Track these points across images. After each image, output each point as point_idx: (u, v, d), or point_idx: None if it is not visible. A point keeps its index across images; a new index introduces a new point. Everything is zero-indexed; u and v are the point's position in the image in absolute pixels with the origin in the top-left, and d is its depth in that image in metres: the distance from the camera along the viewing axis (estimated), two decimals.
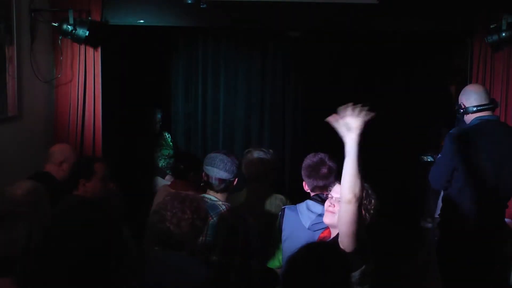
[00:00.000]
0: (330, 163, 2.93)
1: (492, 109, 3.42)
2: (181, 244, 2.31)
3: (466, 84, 4.57)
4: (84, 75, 4.34)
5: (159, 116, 5.32)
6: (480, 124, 3.35)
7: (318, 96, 5.73)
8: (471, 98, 3.40)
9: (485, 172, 3.28)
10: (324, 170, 2.90)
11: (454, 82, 5.22)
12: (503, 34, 4.05)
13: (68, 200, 3.09)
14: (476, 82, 4.43)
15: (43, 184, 3.38)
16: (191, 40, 5.69)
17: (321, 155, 2.98)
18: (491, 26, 4.15)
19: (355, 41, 5.51)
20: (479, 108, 3.37)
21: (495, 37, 4.10)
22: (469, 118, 3.41)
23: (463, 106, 3.42)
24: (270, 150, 3.62)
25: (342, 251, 2.19)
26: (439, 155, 3.46)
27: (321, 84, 5.70)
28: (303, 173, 2.98)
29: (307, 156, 3.02)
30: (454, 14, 4.42)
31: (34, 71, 4.06)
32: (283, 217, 2.90)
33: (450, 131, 3.41)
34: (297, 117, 5.76)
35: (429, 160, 3.88)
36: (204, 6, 3.87)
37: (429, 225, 4.01)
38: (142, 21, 4.44)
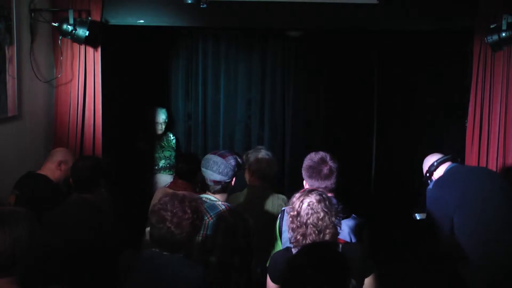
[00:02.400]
0: (331, 163, 2.85)
1: (453, 159, 3.50)
2: (180, 245, 2.30)
3: (466, 84, 4.60)
4: (84, 75, 4.34)
5: (163, 117, 5.31)
6: (451, 169, 3.40)
7: (318, 96, 5.73)
8: (428, 161, 3.52)
9: (478, 208, 3.23)
10: (326, 170, 2.83)
11: (454, 82, 5.22)
12: (503, 34, 4.04)
13: (72, 201, 3.08)
14: (476, 82, 4.43)
15: (39, 185, 3.40)
16: (191, 40, 5.69)
17: (322, 154, 2.90)
18: (491, 26, 4.14)
19: (355, 41, 5.51)
20: (440, 159, 3.46)
21: (495, 37, 4.09)
22: (437, 174, 3.46)
23: (428, 173, 3.48)
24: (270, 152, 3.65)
25: (342, 252, 2.20)
26: (425, 215, 3.43)
27: (321, 84, 5.70)
28: (304, 173, 2.91)
29: (308, 156, 2.95)
30: (454, 14, 4.42)
31: (34, 71, 4.06)
32: (282, 219, 2.88)
33: (427, 188, 3.43)
34: (297, 117, 5.76)
35: (421, 218, 3.81)
36: (204, 6, 3.87)
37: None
38: (142, 21, 4.44)
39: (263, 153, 3.57)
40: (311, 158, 2.91)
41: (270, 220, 3.18)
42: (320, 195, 2.40)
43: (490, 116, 4.42)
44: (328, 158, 2.88)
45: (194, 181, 3.69)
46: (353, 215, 2.88)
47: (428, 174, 3.48)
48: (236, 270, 2.76)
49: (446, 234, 3.28)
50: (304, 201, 2.37)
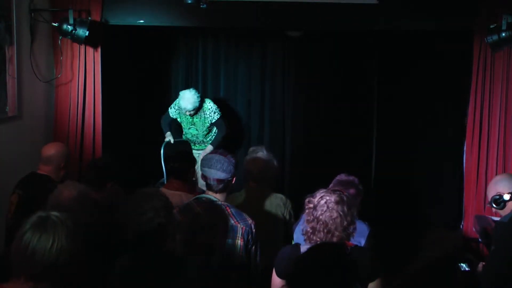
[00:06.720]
0: (360, 187, 3.04)
1: None
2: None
3: (467, 85, 4.59)
4: (84, 75, 4.34)
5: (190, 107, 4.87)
6: None
7: (318, 96, 5.73)
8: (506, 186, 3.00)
9: None
10: (353, 190, 2.99)
11: (454, 82, 5.22)
12: (503, 34, 4.04)
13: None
14: (476, 82, 4.42)
15: (43, 185, 3.38)
16: (191, 40, 5.69)
17: (353, 177, 3.09)
18: (491, 26, 4.14)
19: (355, 41, 5.51)
20: None
21: (495, 37, 4.09)
22: (508, 208, 2.99)
23: (499, 202, 2.99)
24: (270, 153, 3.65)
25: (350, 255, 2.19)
26: (492, 247, 2.98)
27: (321, 84, 5.69)
28: (331, 184, 3.04)
29: (340, 174, 3.13)
30: (454, 14, 4.42)
31: (34, 71, 4.07)
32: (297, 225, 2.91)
33: (498, 220, 3.06)
34: (297, 116, 5.76)
35: (466, 269, 3.51)
36: (204, 6, 3.87)
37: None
38: (142, 21, 4.44)
39: (259, 154, 3.56)
40: (343, 176, 3.10)
41: (268, 220, 3.18)
42: (341, 197, 2.40)
43: (490, 116, 4.42)
44: (357, 181, 3.07)
45: (189, 180, 3.68)
46: (360, 220, 2.91)
47: (498, 200, 3.01)
48: (236, 270, 2.76)
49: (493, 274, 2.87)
50: (324, 197, 2.40)
